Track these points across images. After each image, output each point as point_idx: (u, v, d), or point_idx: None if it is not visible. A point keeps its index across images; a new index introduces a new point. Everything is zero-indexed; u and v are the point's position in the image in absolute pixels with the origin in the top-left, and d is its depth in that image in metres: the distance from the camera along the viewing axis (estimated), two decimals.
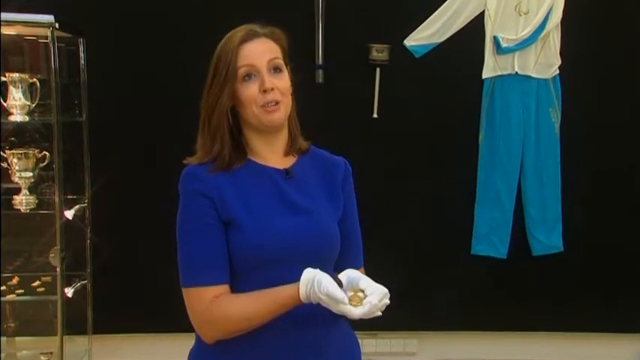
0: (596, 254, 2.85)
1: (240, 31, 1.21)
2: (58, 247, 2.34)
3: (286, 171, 1.26)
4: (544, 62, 2.69)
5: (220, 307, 1.15)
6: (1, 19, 2.18)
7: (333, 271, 1.23)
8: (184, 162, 1.25)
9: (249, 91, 1.19)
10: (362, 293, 1.08)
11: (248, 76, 1.19)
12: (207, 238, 1.17)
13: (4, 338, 2.55)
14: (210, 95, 1.21)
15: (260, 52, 1.19)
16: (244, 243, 1.17)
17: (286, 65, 1.24)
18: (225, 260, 1.18)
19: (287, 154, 1.28)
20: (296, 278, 1.10)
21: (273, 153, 1.26)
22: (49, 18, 2.26)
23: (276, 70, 1.21)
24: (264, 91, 1.19)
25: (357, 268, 1.24)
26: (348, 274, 1.11)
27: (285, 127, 1.27)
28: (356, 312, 1.06)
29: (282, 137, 1.27)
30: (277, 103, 1.20)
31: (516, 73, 2.69)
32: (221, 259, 1.17)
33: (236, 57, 1.18)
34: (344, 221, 1.29)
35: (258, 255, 1.18)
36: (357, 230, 1.34)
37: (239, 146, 1.24)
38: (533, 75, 2.70)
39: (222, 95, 1.19)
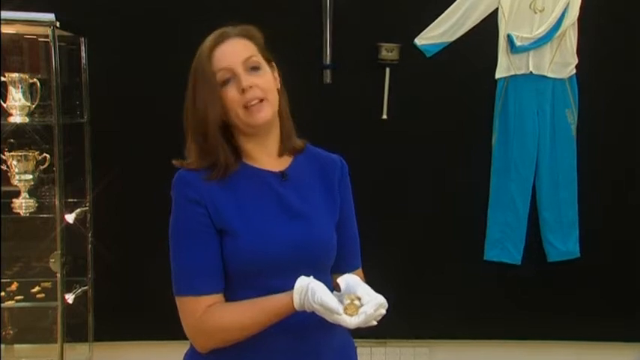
0: (615, 260, 2.77)
1: (211, 36, 1.19)
2: (59, 251, 2.31)
3: (281, 173, 1.23)
4: (560, 61, 2.63)
5: (214, 316, 1.13)
6: (1, 17, 2.14)
7: (330, 272, 1.24)
8: (175, 162, 1.20)
9: (230, 94, 1.16)
10: (358, 302, 1.06)
11: (226, 81, 1.16)
12: (201, 247, 1.15)
13: (2, 346, 2.52)
14: (198, 110, 1.16)
15: (233, 52, 1.16)
16: (239, 251, 1.15)
17: (268, 61, 1.21)
18: (219, 269, 1.16)
19: (281, 154, 1.25)
20: (292, 286, 1.09)
21: (266, 155, 1.23)
22: (50, 16, 2.23)
23: (254, 69, 1.17)
24: (243, 91, 1.15)
25: (354, 269, 1.28)
26: (347, 280, 1.10)
27: (276, 126, 1.23)
28: (351, 322, 1.04)
29: (274, 137, 1.24)
30: (261, 100, 1.16)
31: (531, 72, 2.63)
32: (215, 267, 1.16)
33: (210, 63, 1.15)
34: (341, 222, 1.27)
35: (254, 263, 1.16)
36: (354, 231, 1.32)
37: (233, 151, 1.21)
38: (549, 75, 2.64)
39: (211, 107, 1.15)
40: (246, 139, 1.21)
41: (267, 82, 1.18)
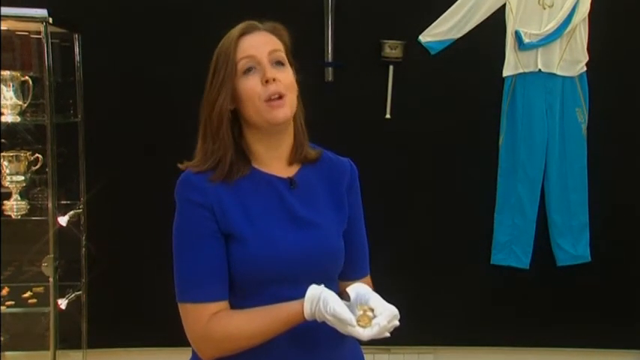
0: (626, 265, 2.72)
1: (239, 26, 1.18)
2: (52, 255, 2.26)
3: (290, 180, 1.20)
4: (570, 59, 2.58)
5: (220, 324, 1.10)
6: (1, 14, 2.11)
7: (338, 279, 1.23)
8: (181, 166, 1.17)
9: (250, 84, 1.13)
10: (371, 313, 1.05)
11: (248, 70, 1.14)
12: (206, 252, 1.12)
13: None
14: (210, 94, 1.16)
15: (260, 43, 1.15)
16: (246, 257, 1.13)
17: (290, 64, 1.19)
18: (224, 275, 1.13)
19: (291, 162, 1.22)
20: (299, 295, 1.07)
21: (276, 159, 1.20)
22: (43, 12, 2.18)
23: (279, 63, 1.16)
24: (267, 82, 1.13)
25: (363, 276, 1.27)
26: (357, 290, 1.08)
27: (290, 132, 1.21)
28: (364, 334, 1.03)
29: (287, 141, 1.21)
30: (282, 97, 1.13)
31: (540, 70, 2.58)
32: (220, 274, 1.13)
33: (235, 50, 1.14)
34: (349, 228, 1.25)
35: (261, 270, 1.13)
36: (363, 237, 1.30)
37: (241, 153, 1.18)
38: (558, 73, 2.59)
39: (222, 93, 1.13)
40: (258, 139, 1.18)
41: (289, 79, 1.16)
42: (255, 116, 1.14)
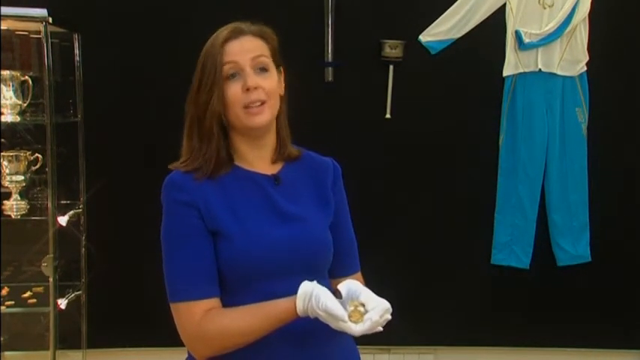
0: (627, 265, 2.71)
1: (225, 29, 1.19)
2: (51, 255, 2.26)
3: (274, 177, 1.22)
4: (570, 59, 2.57)
5: (213, 322, 1.11)
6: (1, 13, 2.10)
7: (329, 276, 1.24)
8: (170, 167, 1.18)
9: (232, 90, 1.16)
10: (362, 308, 1.05)
11: (232, 75, 1.16)
12: (195, 250, 1.13)
13: None
14: (200, 97, 1.16)
15: (244, 49, 1.17)
16: (234, 255, 1.14)
17: (277, 66, 1.21)
18: (214, 273, 1.14)
19: (275, 161, 1.24)
20: (289, 290, 1.07)
21: (260, 158, 1.23)
22: (42, 12, 2.18)
23: (262, 69, 1.18)
24: (247, 90, 1.15)
25: (353, 272, 1.28)
26: (348, 286, 1.08)
27: (273, 131, 1.23)
28: (356, 329, 1.03)
29: (270, 142, 1.23)
30: (262, 103, 1.16)
31: (540, 70, 2.58)
32: (210, 271, 1.14)
33: (221, 55, 1.16)
34: (336, 225, 1.26)
35: (250, 266, 1.14)
36: (351, 234, 1.32)
37: (225, 152, 1.20)
38: (559, 72, 2.58)
39: (214, 95, 1.14)
40: (242, 139, 1.20)
41: (271, 85, 1.17)
42: (235, 121, 1.16)
